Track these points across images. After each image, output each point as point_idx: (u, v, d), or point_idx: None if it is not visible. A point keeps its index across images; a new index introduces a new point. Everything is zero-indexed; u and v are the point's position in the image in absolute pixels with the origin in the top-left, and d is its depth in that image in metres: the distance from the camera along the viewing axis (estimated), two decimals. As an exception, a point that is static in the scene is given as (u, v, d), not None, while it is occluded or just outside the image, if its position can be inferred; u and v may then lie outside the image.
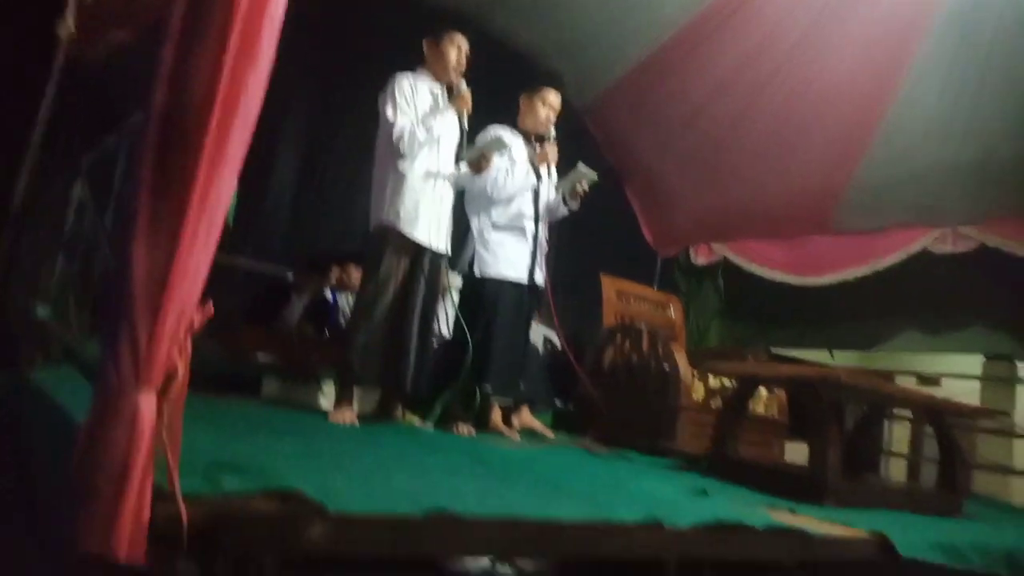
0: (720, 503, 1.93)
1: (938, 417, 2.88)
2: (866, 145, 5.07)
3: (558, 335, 3.87)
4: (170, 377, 1.00)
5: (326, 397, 3.11)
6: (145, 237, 0.98)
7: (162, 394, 0.99)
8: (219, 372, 2.95)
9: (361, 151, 5.09)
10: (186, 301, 1.01)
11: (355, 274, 4.25)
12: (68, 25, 2.67)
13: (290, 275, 4.24)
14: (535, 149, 3.28)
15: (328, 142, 5.06)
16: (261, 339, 3.39)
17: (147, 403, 0.96)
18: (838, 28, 4.55)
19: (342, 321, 4.25)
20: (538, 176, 3.23)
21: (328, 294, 4.49)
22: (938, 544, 1.96)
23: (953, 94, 4.53)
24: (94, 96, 4.07)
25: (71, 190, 2.69)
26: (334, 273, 4.36)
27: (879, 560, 1.83)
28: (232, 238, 4.36)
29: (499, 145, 2.95)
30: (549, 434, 3.15)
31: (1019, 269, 4.92)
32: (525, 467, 2.08)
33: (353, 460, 1.65)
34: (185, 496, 0.97)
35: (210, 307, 1.08)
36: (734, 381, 3.17)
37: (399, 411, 2.91)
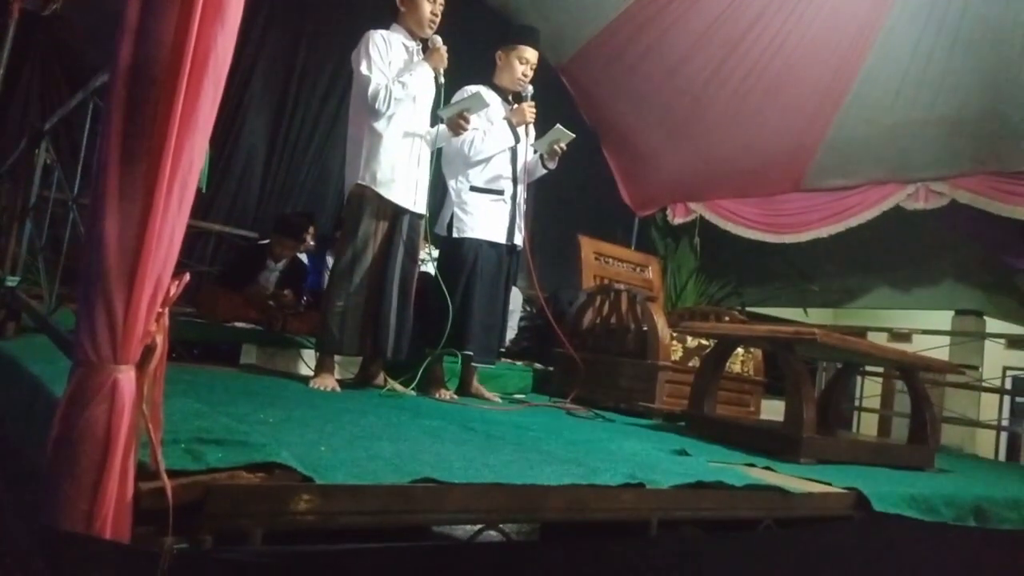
0: (699, 463, 1.96)
1: (910, 373, 2.94)
2: (839, 102, 5.09)
3: (537, 296, 3.87)
4: (149, 350, 0.98)
5: (307, 364, 3.08)
6: (116, 205, 0.94)
7: (141, 368, 0.96)
8: (197, 340, 2.91)
9: (331, 112, 5.02)
10: (162, 270, 0.98)
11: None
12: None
13: (264, 241, 4.16)
14: (512, 108, 3.22)
15: (297, 103, 4.95)
16: (238, 306, 3.33)
17: (126, 378, 0.94)
18: (814, -15, 4.51)
19: (323, 286, 4.20)
20: (516, 136, 3.18)
21: (304, 257, 4.44)
22: (910, 498, 2.02)
23: (926, 49, 4.53)
24: (55, 53, 3.92)
25: (35, 153, 2.59)
26: (310, 235, 4.29)
27: (854, 515, 1.88)
28: (204, 202, 4.27)
29: (478, 102, 2.89)
30: (497, 400, 3.16)
31: (989, 225, 5.01)
32: (508, 431, 2.09)
33: (337, 428, 1.64)
34: (169, 472, 0.96)
35: (186, 275, 1.05)
36: (712, 341, 3.20)
37: (381, 377, 2.90)
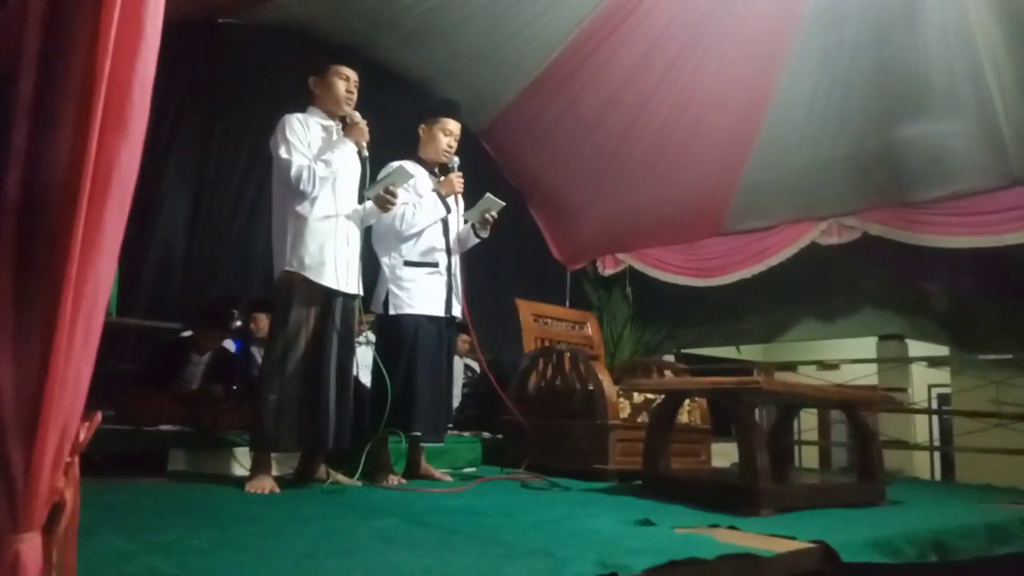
0: (665, 532, 1.90)
1: (851, 408, 2.98)
2: (748, 148, 5.32)
3: (481, 365, 3.79)
4: (57, 508, 0.85)
5: (240, 464, 2.89)
6: (10, 351, 0.83)
7: (48, 531, 0.84)
8: (119, 451, 2.69)
9: (252, 193, 4.90)
10: (68, 416, 0.87)
11: (264, 323, 4.03)
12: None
13: (186, 332, 3.95)
14: (439, 180, 3.20)
15: (216, 186, 4.81)
16: (163, 406, 3.12)
17: (30, 547, 0.81)
18: (713, 41, 4.75)
19: (255, 373, 4.01)
20: (447, 207, 3.15)
21: (231, 345, 4.24)
22: (874, 543, 2.00)
23: (824, 95, 4.81)
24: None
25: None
26: (238, 323, 4.11)
27: (824, 569, 1.85)
28: (123, 295, 4.04)
29: (403, 176, 2.85)
30: (448, 479, 3.06)
31: (901, 253, 5.26)
32: (464, 521, 1.98)
33: (279, 547, 1.51)
34: (87, 649, 0.83)
35: (98, 416, 0.94)
36: (658, 396, 3.19)
37: (322, 470, 2.74)
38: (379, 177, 2.91)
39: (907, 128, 4.66)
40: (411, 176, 2.91)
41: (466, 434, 4.06)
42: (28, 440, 0.82)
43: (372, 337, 3.07)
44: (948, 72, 4.23)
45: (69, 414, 0.86)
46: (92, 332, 0.89)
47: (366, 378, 3.15)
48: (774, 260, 5.63)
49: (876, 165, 4.93)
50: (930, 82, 4.35)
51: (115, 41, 0.92)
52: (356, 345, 2.91)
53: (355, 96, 2.85)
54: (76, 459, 0.89)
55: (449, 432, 3.53)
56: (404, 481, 2.88)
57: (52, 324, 0.84)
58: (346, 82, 2.82)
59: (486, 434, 4.04)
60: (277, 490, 2.44)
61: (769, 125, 5.11)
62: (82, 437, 0.90)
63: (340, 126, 2.86)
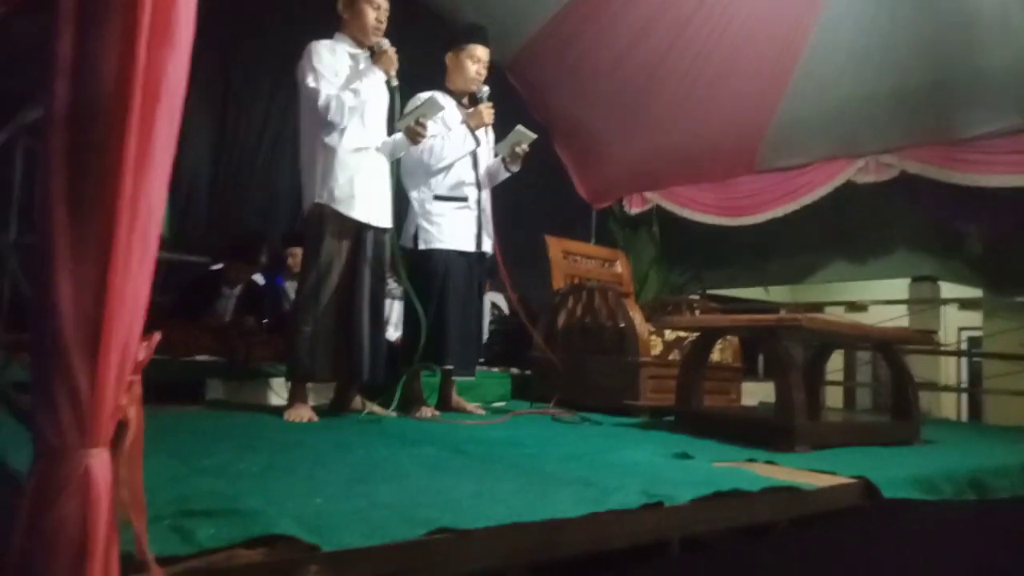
0: (705, 466, 1.90)
1: (888, 347, 2.94)
2: (786, 82, 5.12)
3: (511, 301, 3.79)
4: (122, 426, 0.85)
5: (276, 393, 2.93)
6: (69, 269, 0.81)
7: (115, 448, 0.84)
8: (157, 379, 2.73)
9: (275, 127, 4.83)
10: (129, 335, 0.85)
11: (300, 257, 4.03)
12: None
13: (216, 265, 3.96)
14: (468, 111, 3.12)
15: (238, 121, 4.74)
16: (197, 338, 3.15)
17: (99, 463, 0.81)
18: (755, -35, 4.52)
19: (286, 306, 4.03)
20: (476, 139, 3.08)
21: (259, 279, 4.26)
22: (913, 479, 1.99)
23: (867, 25, 4.59)
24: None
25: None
26: (264, 257, 4.12)
27: (864, 503, 1.84)
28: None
29: (432, 107, 2.78)
30: (480, 412, 3.08)
31: (938, 193, 5.11)
32: (502, 451, 1.99)
33: (326, 471, 1.52)
34: (159, 561, 0.83)
35: (156, 335, 0.93)
36: (691, 333, 3.16)
37: (358, 400, 2.77)
38: (408, 108, 2.84)
39: (955, 60, 4.45)
40: (442, 107, 2.83)
41: (495, 369, 4.08)
42: (91, 358, 0.81)
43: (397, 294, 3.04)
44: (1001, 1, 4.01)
45: (130, 332, 0.85)
46: (149, 249, 0.87)
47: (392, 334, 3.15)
48: (807, 199, 5.49)
49: (920, 100, 4.74)
50: (981, 11, 4.13)
51: (160, -56, 0.87)
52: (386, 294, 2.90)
53: (384, 26, 2.76)
54: (138, 378, 0.88)
55: (480, 367, 3.55)
56: (437, 413, 2.91)
57: (109, 239, 0.82)
58: (376, 11, 2.73)
59: (514, 370, 4.06)
60: (315, 419, 2.48)
61: (809, 57, 4.91)
62: (142, 356, 0.89)
63: (368, 54, 2.78)
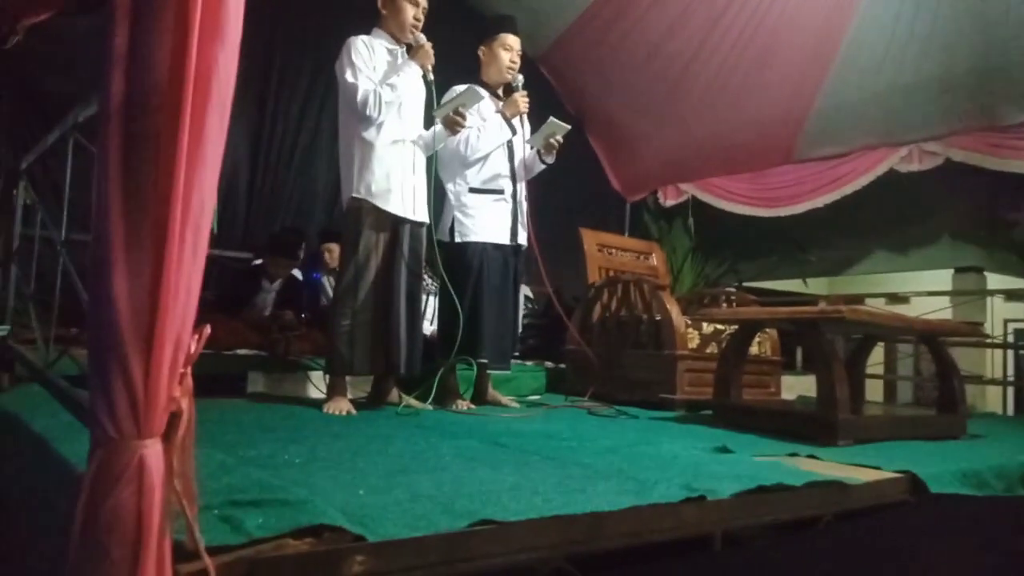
0: (746, 460, 1.88)
1: (934, 341, 2.87)
2: (825, 70, 5.01)
3: (548, 295, 3.78)
4: (175, 417, 0.87)
5: (316, 386, 2.97)
6: (123, 260, 0.83)
7: (168, 439, 0.85)
8: (200, 372, 2.78)
9: (312, 123, 4.88)
10: (181, 328, 0.87)
11: (337, 252, 4.07)
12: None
13: (257, 260, 4.03)
14: (503, 101, 3.12)
15: (276, 116, 4.80)
16: (239, 332, 3.21)
17: (153, 453, 0.83)
18: (793, -48, 4.43)
19: (324, 301, 4.09)
20: (512, 129, 3.07)
21: (298, 274, 4.32)
22: (961, 474, 1.94)
23: (911, 10, 4.46)
24: (23, 87, 3.75)
25: (14, 194, 2.45)
26: (303, 252, 4.18)
27: (911, 499, 1.80)
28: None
29: (472, 97, 2.79)
30: (515, 405, 3.09)
31: (983, 181, 4.97)
32: (540, 444, 1.99)
33: (367, 463, 1.54)
34: (210, 550, 0.85)
35: (207, 328, 0.94)
36: (728, 326, 3.12)
37: (394, 393, 2.79)
38: (445, 99, 2.84)
39: (998, 47, 4.31)
40: (481, 97, 2.84)
41: (529, 363, 4.08)
42: (146, 349, 0.83)
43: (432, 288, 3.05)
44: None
45: (182, 325, 0.87)
46: (200, 243, 0.88)
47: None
48: (848, 189, 5.37)
49: (965, 86, 4.59)
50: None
51: (209, -59, 0.88)
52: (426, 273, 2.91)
53: (421, 23, 2.77)
54: (190, 370, 0.89)
55: (514, 361, 3.55)
56: (472, 406, 2.92)
57: (163, 232, 0.84)
58: (415, 8, 2.74)
59: (549, 363, 4.05)
60: (354, 412, 2.50)
61: (849, 45, 4.79)
62: (193, 349, 0.90)
63: (405, 49, 2.79)
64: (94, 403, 0.83)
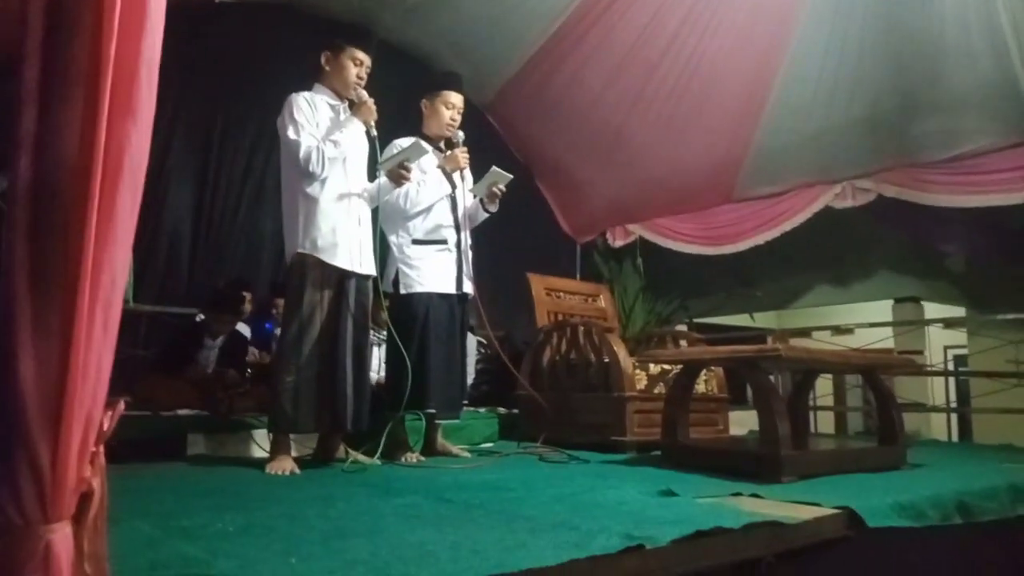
0: (689, 503, 1.90)
1: (872, 374, 2.96)
2: (760, 113, 5.22)
3: (492, 342, 3.79)
4: (85, 497, 0.85)
5: (259, 445, 2.91)
6: (30, 343, 0.81)
7: (78, 522, 0.83)
8: (137, 436, 2.71)
9: (258, 173, 4.87)
10: (92, 405, 0.86)
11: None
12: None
13: (199, 316, 3.95)
14: (444, 156, 3.17)
15: (221, 167, 4.77)
16: (179, 392, 3.13)
17: (61, 538, 0.81)
18: (721, 2, 4.64)
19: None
20: (452, 183, 3.12)
21: (244, 329, 4.25)
22: (899, 507, 2.00)
23: (835, 57, 4.70)
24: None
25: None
26: (247, 303, 4.12)
27: (850, 534, 1.84)
28: (134, 282, 4.04)
29: (417, 151, 2.84)
30: (465, 455, 3.08)
31: (915, 215, 5.19)
32: (487, 496, 1.98)
33: (304, 528, 1.51)
34: (123, 637, 0.83)
35: (120, 404, 0.93)
36: (675, 365, 3.17)
37: (341, 449, 2.75)
38: (388, 152, 2.88)
39: (921, 86, 4.56)
40: (425, 151, 2.90)
41: (482, 410, 4.06)
42: (53, 431, 0.81)
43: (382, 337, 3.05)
44: (963, 25, 4.12)
45: (92, 404, 0.85)
46: (111, 321, 0.88)
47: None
48: (787, 225, 5.55)
49: (890, 125, 4.83)
50: (944, 36, 4.24)
51: (120, 23, 0.89)
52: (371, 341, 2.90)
53: (364, 81, 2.81)
54: (101, 448, 0.88)
55: (465, 408, 3.54)
56: (423, 459, 2.89)
57: (71, 314, 0.83)
58: (359, 67, 2.78)
59: (501, 409, 4.05)
60: (298, 471, 2.45)
61: (780, 89, 5.01)
62: (106, 426, 0.89)
63: (347, 105, 2.82)
64: (-4, 488, 0.81)
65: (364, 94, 2.79)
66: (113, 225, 0.88)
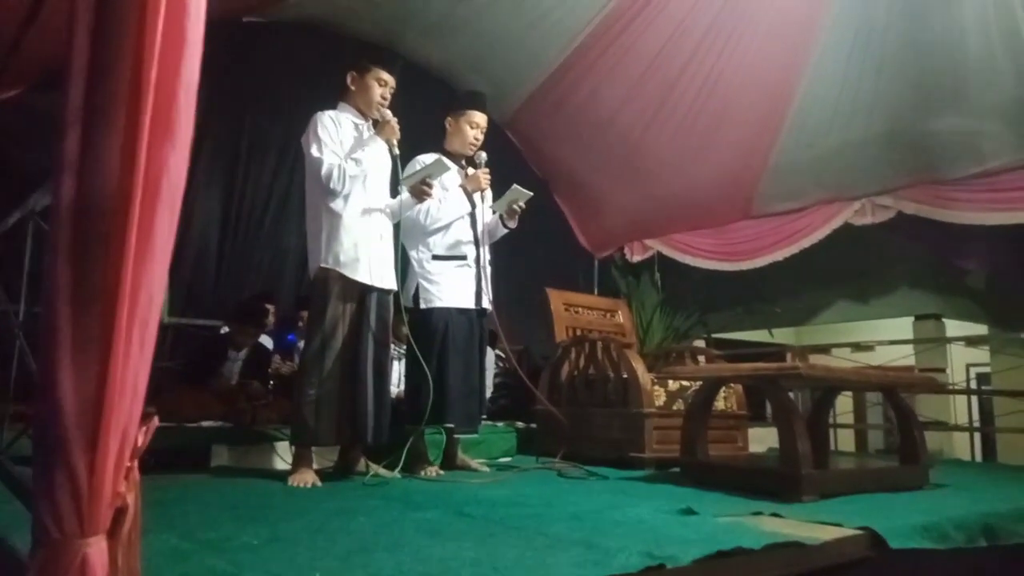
0: (709, 522, 1.89)
1: (892, 393, 2.93)
2: (778, 129, 5.21)
3: (508, 356, 3.80)
4: (120, 513, 0.87)
5: (282, 457, 2.94)
6: (70, 359, 0.84)
7: (113, 536, 0.86)
8: (163, 447, 2.74)
9: (283, 188, 4.94)
10: (128, 422, 0.88)
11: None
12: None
13: (224, 328, 4.01)
14: (465, 173, 3.20)
15: (247, 181, 4.85)
16: (204, 403, 3.17)
17: (97, 551, 0.83)
18: (741, 20, 4.65)
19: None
20: (472, 202, 3.15)
21: (267, 341, 4.30)
22: (922, 528, 1.97)
23: (855, 73, 4.69)
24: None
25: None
26: (271, 315, 4.17)
27: (872, 555, 1.82)
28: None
29: (439, 168, 2.87)
30: (484, 469, 3.09)
31: (935, 231, 5.15)
32: (506, 512, 1.99)
33: (327, 541, 1.53)
34: (155, 648, 0.85)
35: (154, 420, 0.95)
36: (694, 382, 3.16)
37: (362, 463, 2.77)
38: (411, 168, 2.92)
39: (942, 103, 4.54)
40: (448, 168, 2.93)
41: (500, 424, 4.06)
42: (91, 447, 0.84)
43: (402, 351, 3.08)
44: (985, 39, 4.10)
45: (129, 420, 0.88)
46: (148, 337, 0.90)
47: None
48: (806, 242, 5.52)
49: (910, 142, 4.81)
50: (966, 53, 4.22)
51: (160, 49, 0.93)
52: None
53: (388, 101, 2.85)
54: (136, 463, 0.90)
55: (484, 422, 3.55)
56: (442, 472, 2.90)
57: (110, 331, 0.86)
58: (383, 87, 2.82)
59: (520, 424, 4.05)
60: (319, 483, 2.48)
61: (799, 105, 5.01)
62: (140, 441, 0.91)
63: (371, 123, 2.87)
64: (37, 503, 0.83)
65: (388, 113, 2.83)
66: (151, 246, 0.91)
